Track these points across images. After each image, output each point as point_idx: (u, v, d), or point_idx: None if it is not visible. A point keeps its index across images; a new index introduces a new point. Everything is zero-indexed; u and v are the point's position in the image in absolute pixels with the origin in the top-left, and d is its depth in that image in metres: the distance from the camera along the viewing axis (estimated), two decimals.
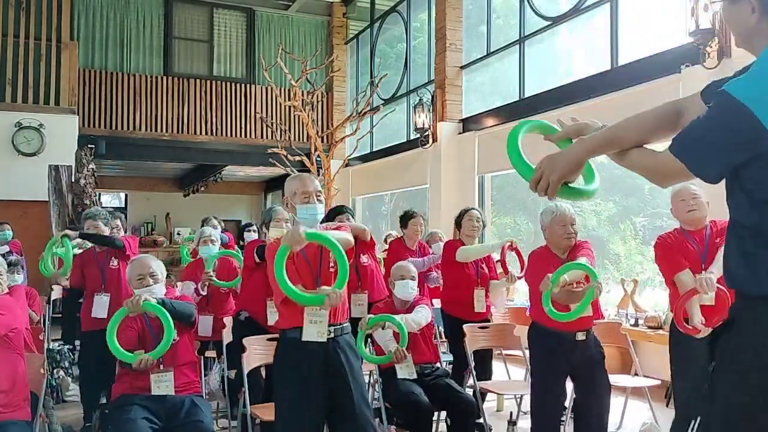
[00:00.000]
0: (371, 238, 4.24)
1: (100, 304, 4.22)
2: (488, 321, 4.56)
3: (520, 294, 7.29)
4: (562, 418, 3.52)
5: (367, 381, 4.13)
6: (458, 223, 4.68)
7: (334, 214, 4.40)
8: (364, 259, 4.28)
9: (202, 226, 6.89)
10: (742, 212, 1.48)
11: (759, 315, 1.44)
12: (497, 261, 4.73)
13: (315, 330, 2.68)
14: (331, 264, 2.79)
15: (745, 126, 1.38)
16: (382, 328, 3.54)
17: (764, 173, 1.42)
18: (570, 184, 1.68)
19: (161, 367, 3.05)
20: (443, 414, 3.91)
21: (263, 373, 3.80)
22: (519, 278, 4.57)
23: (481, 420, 3.91)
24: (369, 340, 3.73)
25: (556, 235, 3.34)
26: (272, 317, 3.82)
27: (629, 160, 1.65)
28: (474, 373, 4.06)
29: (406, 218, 4.94)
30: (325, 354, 2.71)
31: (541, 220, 3.44)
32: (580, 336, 3.25)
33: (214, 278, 4.45)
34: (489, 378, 4.57)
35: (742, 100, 1.38)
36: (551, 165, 1.65)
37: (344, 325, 2.81)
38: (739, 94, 1.39)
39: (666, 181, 1.61)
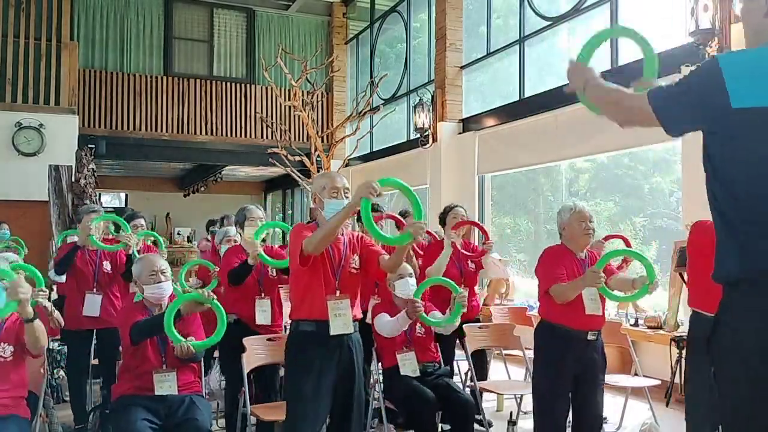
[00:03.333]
0: None
1: (93, 303, 4.22)
2: (478, 320, 4.52)
3: (519, 294, 7.29)
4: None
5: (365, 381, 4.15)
6: (443, 221, 4.64)
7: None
8: None
9: (221, 224, 6.86)
10: (718, 201, 1.52)
11: (731, 302, 1.46)
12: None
13: (341, 322, 2.74)
14: (353, 267, 2.85)
15: (711, 87, 1.45)
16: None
17: (729, 149, 1.46)
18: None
19: (164, 366, 3.06)
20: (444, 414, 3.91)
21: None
22: (486, 245, 4.42)
23: (481, 418, 3.92)
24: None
25: (575, 233, 3.30)
26: (261, 316, 3.79)
27: (604, 100, 1.73)
28: (473, 373, 4.07)
29: (401, 216, 4.88)
30: (339, 349, 2.77)
31: (558, 219, 3.40)
32: (591, 336, 3.23)
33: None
34: (485, 378, 4.56)
35: (721, 64, 1.45)
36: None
37: (356, 322, 2.87)
38: (721, 58, 1.47)
39: (629, 123, 1.67)
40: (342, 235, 2.90)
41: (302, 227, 2.87)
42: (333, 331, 2.73)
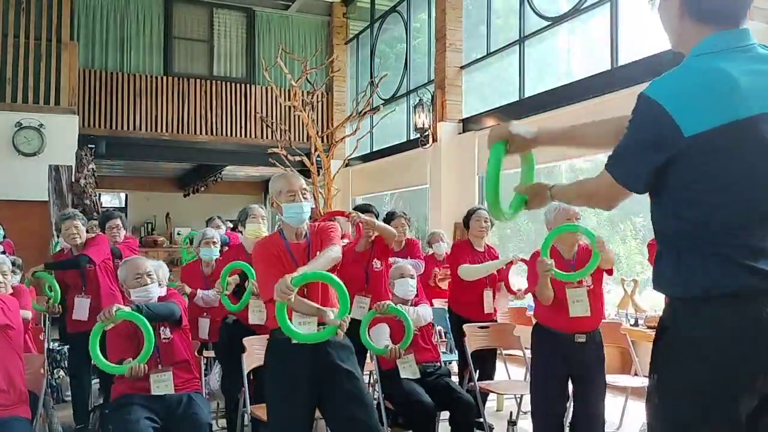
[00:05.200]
0: (392, 246, 4.17)
1: (81, 307, 4.21)
2: (495, 321, 4.55)
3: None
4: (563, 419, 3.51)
5: (367, 381, 4.15)
6: (466, 223, 4.64)
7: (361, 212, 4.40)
8: (377, 264, 4.11)
9: (207, 226, 6.86)
10: (666, 222, 1.53)
11: (689, 317, 1.48)
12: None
13: (306, 331, 2.66)
14: None
15: (658, 123, 1.43)
16: (381, 313, 3.55)
17: (684, 175, 1.45)
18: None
19: (159, 366, 3.05)
20: (444, 414, 3.91)
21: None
22: (526, 292, 4.54)
23: (482, 420, 3.91)
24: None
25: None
26: (253, 316, 3.78)
27: (573, 192, 1.71)
28: (474, 373, 4.06)
29: (387, 219, 4.81)
30: (314, 354, 2.68)
31: (545, 219, 3.42)
32: (579, 338, 3.24)
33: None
34: (491, 378, 4.56)
35: (656, 98, 1.44)
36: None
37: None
38: (653, 93, 1.46)
39: (607, 203, 1.64)
40: (305, 238, 2.82)
41: (261, 250, 2.78)
42: (295, 340, 2.63)
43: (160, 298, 3.28)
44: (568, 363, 3.24)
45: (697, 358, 1.45)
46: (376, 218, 4.37)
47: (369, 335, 3.55)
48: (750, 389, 1.42)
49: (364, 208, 4.43)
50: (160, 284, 3.41)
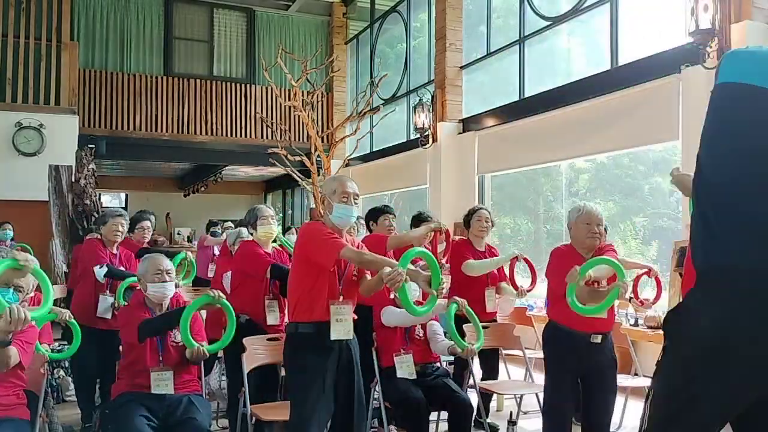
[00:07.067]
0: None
1: (106, 304, 4.23)
2: (495, 321, 4.52)
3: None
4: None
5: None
6: (467, 223, 4.62)
7: (419, 221, 4.40)
8: None
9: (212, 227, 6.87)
10: (696, 181, 1.53)
11: (695, 289, 1.49)
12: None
13: (342, 328, 2.75)
14: (354, 273, 2.86)
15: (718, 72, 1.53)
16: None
17: (710, 123, 1.48)
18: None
19: (161, 365, 3.07)
20: (443, 414, 3.91)
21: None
22: (529, 290, 4.50)
23: (482, 420, 3.91)
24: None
25: (580, 234, 3.28)
26: (271, 317, 3.79)
27: None
28: (474, 373, 4.06)
29: (415, 219, 4.79)
30: (340, 350, 2.79)
31: (568, 218, 3.41)
32: (595, 339, 3.23)
33: None
34: (495, 378, 4.55)
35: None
36: None
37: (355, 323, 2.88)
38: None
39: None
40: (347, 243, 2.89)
41: (323, 226, 2.86)
42: (333, 336, 2.74)
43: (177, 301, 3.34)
44: (582, 363, 3.22)
45: (695, 332, 1.43)
46: (394, 218, 4.46)
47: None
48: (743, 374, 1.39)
49: (386, 210, 4.45)
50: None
